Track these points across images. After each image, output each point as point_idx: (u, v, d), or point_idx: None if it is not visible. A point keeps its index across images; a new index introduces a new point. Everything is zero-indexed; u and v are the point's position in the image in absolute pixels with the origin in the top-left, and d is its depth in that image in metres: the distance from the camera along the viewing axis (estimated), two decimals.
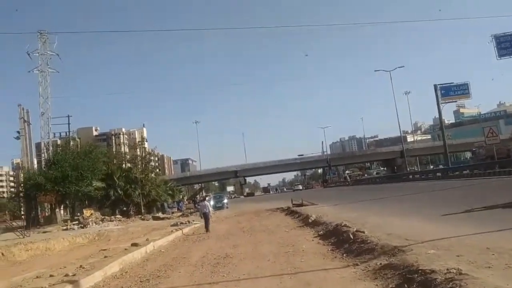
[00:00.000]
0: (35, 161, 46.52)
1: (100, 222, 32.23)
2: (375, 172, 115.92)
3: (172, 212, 44.63)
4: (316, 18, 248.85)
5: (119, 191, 40.06)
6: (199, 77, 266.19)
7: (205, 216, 20.39)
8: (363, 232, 10.62)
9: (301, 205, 27.64)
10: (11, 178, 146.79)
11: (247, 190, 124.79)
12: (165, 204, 47.18)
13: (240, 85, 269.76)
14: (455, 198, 19.32)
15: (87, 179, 34.27)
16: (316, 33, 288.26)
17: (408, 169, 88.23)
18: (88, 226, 30.00)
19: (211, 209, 21.87)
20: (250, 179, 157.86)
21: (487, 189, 22.60)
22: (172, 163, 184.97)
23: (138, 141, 58.02)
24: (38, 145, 45.21)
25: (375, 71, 66.89)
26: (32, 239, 23.17)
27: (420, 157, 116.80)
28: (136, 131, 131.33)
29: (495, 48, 52.94)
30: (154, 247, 15.14)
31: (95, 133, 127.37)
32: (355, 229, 11.24)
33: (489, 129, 37.54)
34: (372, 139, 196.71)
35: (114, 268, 10.96)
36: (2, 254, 18.96)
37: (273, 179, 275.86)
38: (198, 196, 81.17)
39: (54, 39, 44.08)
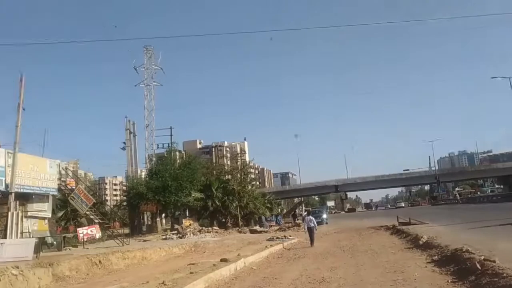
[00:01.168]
0: (142, 171, 48.44)
1: (198, 232, 32.09)
2: (489, 190, 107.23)
3: (270, 226, 43.66)
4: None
5: (217, 202, 39.98)
6: (301, 90, 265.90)
7: (310, 230, 20.10)
8: (494, 262, 8.43)
9: (408, 223, 25.00)
10: (124, 188, 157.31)
11: (348, 206, 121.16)
12: (263, 218, 46.37)
13: (338, 96, 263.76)
14: None
15: (186, 190, 34.60)
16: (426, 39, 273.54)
17: None
18: (186, 236, 29.99)
19: (315, 224, 21.04)
20: (351, 194, 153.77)
21: None
22: (272, 176, 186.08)
23: (237, 153, 58.33)
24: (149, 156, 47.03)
25: (492, 78, 60.52)
26: (130, 247, 23.30)
27: None
28: (237, 144, 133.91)
29: None
30: (245, 263, 13.99)
31: (199, 146, 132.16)
32: (482, 257, 9.03)
33: None
34: (485, 154, 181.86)
35: (199, 287, 9.93)
36: (100, 261, 19.05)
37: (376, 195, 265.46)
38: (297, 210, 79.76)
39: (159, 54, 45.89)
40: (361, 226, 31.01)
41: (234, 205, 40.74)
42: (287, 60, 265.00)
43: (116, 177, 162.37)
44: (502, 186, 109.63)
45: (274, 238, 24.87)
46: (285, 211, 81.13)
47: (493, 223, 20.41)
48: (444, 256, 10.92)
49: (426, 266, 10.55)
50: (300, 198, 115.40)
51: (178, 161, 40.62)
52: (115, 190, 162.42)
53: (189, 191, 35.15)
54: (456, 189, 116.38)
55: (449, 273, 9.26)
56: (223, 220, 42.14)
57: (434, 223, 23.65)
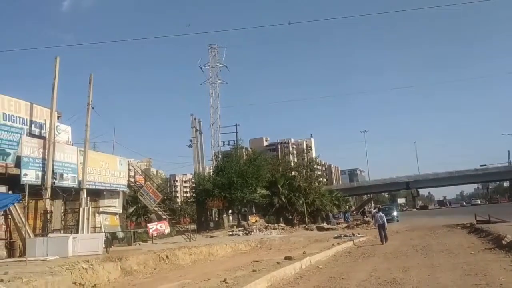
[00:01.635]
0: (210, 169, 49.15)
1: (264, 229, 31.93)
2: None
3: (338, 223, 42.75)
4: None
5: (283, 199, 39.63)
6: (369, 86, 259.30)
7: (380, 227, 20.02)
8: None
9: (488, 222, 23.25)
10: (187, 185, 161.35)
11: (419, 203, 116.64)
12: (330, 215, 45.43)
13: (407, 88, 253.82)
14: None
15: (252, 186, 34.55)
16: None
17: None
18: (252, 232, 29.89)
19: (385, 221, 20.89)
20: (423, 191, 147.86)
21: None
22: (340, 173, 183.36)
23: (302, 150, 57.61)
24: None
25: None
26: (197, 243, 23.46)
27: None
28: (304, 141, 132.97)
29: None
30: (310, 262, 13.46)
31: (265, 143, 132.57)
32: None
33: None
34: None
35: (261, 286, 9.55)
36: (167, 257, 19.26)
37: (449, 192, 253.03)
38: (366, 207, 77.68)
39: (223, 52, 46.24)
40: (435, 224, 29.47)
41: (300, 201, 40.17)
42: (354, 55, 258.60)
43: (186, 174, 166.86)
44: None
45: (342, 235, 24.10)
46: (353, 208, 79.40)
47: None
48: None
49: None
50: (369, 195, 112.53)
51: (244, 158, 40.70)
52: (185, 187, 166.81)
53: (255, 187, 35.06)
54: None
55: None
56: (290, 217, 41.73)
57: None
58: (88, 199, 20.31)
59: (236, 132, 46.77)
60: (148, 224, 27.34)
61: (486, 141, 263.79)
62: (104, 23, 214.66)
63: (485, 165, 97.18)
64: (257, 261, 13.59)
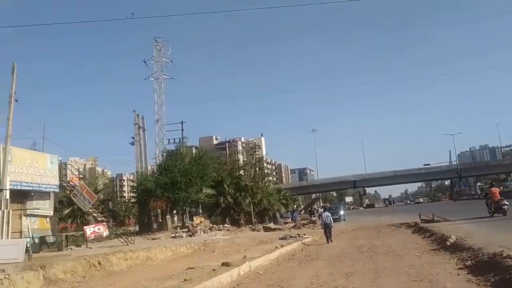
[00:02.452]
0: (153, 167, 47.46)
1: (208, 230, 30.82)
2: None
3: (285, 223, 42.19)
4: None
5: (229, 198, 38.55)
6: (316, 85, 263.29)
7: (326, 227, 19.82)
8: None
9: (431, 221, 23.22)
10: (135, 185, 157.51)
11: (366, 201, 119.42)
12: (277, 214, 44.83)
13: (360, 87, 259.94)
14: None
15: (197, 185, 33.28)
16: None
17: None
18: (196, 234, 28.82)
19: (331, 220, 20.61)
20: (370, 190, 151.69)
21: None
22: (289, 172, 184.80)
23: (251, 147, 56.92)
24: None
25: None
26: (135, 246, 22.08)
27: None
28: (254, 140, 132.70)
29: None
30: (250, 267, 12.53)
31: (215, 142, 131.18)
32: None
33: None
34: (508, 148, 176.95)
35: None
36: (99, 263, 17.80)
37: (395, 191, 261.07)
38: (315, 206, 78.06)
39: (169, 46, 44.62)
40: (380, 223, 29.43)
41: (247, 201, 39.28)
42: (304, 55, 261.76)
43: (133, 173, 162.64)
44: None
45: (288, 236, 23.36)
46: (302, 207, 79.68)
47: None
48: (479, 262, 9.21)
49: (458, 274, 8.91)
50: (317, 194, 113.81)
51: (189, 156, 39.31)
52: (132, 187, 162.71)
53: (200, 187, 33.78)
54: (478, 184, 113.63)
55: (489, 284, 7.62)
56: (236, 217, 40.76)
57: (460, 220, 21.75)
58: (9, 201, 18.36)
59: (182, 130, 45.32)
60: (84, 227, 25.57)
61: (430, 141, 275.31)
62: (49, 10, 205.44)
63: (429, 164, 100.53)
64: (192, 268, 12.48)
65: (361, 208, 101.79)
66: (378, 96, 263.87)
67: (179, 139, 43.95)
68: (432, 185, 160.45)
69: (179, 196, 32.34)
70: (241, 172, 44.03)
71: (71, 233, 25.88)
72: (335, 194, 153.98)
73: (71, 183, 25.56)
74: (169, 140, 46.34)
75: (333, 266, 12.12)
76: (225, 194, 38.38)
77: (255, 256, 14.38)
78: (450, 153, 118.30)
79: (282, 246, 18.04)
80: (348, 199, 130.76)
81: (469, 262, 9.61)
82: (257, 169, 47.21)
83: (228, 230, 32.07)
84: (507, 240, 11.31)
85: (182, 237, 27.97)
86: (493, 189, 22.80)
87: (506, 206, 20.96)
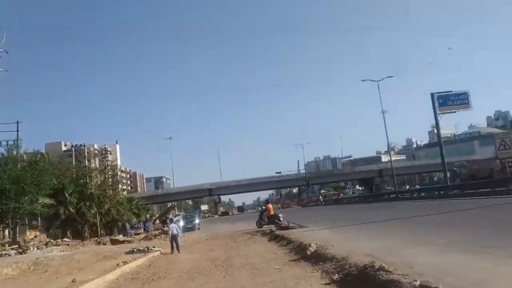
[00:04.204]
0: None
1: (44, 246, 26.75)
2: (351, 192, 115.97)
3: (137, 234, 39.07)
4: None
5: (71, 209, 34.31)
6: (174, 93, 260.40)
7: (173, 238, 19.80)
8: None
9: (287, 227, 22.75)
10: None
11: (221, 209, 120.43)
12: (127, 225, 41.45)
13: (216, 98, 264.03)
14: None
15: (31, 194, 28.62)
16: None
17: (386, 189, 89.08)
18: (28, 251, 24.60)
19: (179, 231, 21.03)
20: (225, 198, 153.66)
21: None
22: (145, 180, 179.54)
23: (100, 153, 52.46)
24: None
25: (362, 81, 63.48)
26: None
27: (396, 177, 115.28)
28: (108, 147, 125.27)
29: None
30: None
31: (64, 148, 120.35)
32: (418, 281, 6.24)
33: (501, 141, 32.54)
34: (346, 159, 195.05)
35: None
36: None
37: (248, 198, 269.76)
38: (169, 215, 75.45)
39: (2, 35, 38.47)
40: (235, 230, 28.55)
41: (93, 211, 35.41)
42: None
43: None
44: (363, 188, 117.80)
45: (135, 250, 20.89)
46: (156, 216, 76.40)
47: (382, 224, 19.01)
48: (348, 275, 8.09)
49: None
50: (173, 203, 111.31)
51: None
52: None
53: (35, 196, 29.18)
54: (322, 191, 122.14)
55: None
56: (81, 229, 36.56)
57: (315, 226, 21.50)
58: None
59: (18, 131, 39.42)
60: None
61: (283, 150, 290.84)
62: None
63: (280, 172, 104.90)
64: None
65: (216, 216, 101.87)
66: (236, 108, 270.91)
67: (13, 141, 38.06)
68: (282, 193, 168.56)
69: (8, 207, 27.48)
70: (87, 179, 39.78)
71: None
72: (191, 203, 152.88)
73: None
74: (1, 142, 39.91)
75: (182, 285, 10.32)
76: (66, 203, 34.07)
77: (88, 278, 11.85)
78: (298, 162, 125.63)
79: (125, 262, 15.61)
80: (204, 207, 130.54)
81: (336, 276, 8.47)
82: (107, 176, 43.20)
83: (67, 244, 28.26)
84: (369, 248, 10.65)
85: (9, 255, 23.63)
86: (269, 205, 28.21)
87: (281, 218, 25.56)
